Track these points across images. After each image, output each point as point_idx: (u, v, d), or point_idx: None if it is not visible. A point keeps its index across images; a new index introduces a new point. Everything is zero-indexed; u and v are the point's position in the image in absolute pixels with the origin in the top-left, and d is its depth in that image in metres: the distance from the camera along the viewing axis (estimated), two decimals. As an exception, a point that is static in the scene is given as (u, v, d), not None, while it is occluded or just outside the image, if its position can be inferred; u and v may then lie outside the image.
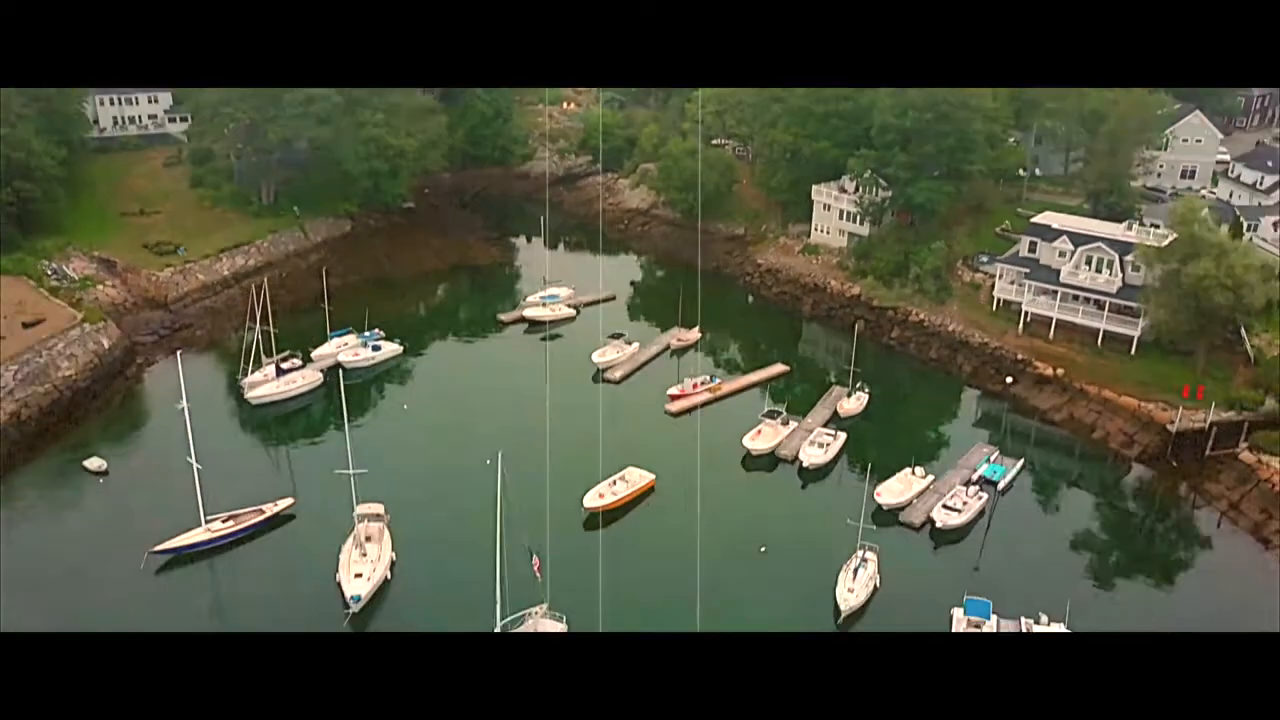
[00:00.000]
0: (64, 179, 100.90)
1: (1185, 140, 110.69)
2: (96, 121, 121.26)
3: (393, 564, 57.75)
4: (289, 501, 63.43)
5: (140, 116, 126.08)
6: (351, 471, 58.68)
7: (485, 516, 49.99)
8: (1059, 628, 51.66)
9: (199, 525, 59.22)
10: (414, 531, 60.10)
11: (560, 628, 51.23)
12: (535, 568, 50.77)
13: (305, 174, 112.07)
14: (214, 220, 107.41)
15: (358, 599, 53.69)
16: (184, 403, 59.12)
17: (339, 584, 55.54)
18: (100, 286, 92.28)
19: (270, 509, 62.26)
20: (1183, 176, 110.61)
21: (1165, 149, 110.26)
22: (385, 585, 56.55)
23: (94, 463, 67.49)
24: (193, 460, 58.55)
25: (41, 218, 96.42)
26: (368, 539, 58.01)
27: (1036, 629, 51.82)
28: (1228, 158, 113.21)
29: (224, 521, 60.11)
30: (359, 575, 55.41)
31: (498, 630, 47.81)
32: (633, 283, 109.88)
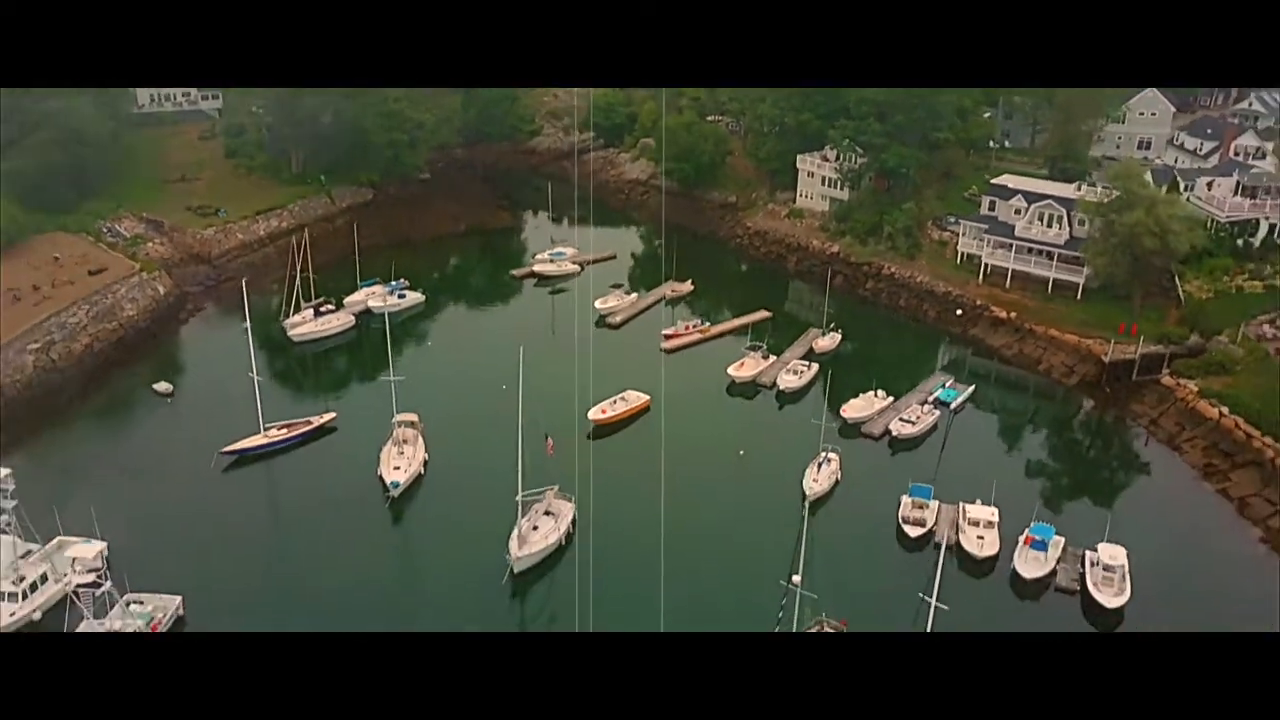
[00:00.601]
0: (113, 149, 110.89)
1: (1142, 114, 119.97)
2: (136, 98, 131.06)
3: (425, 463, 67.60)
4: (332, 415, 73.32)
5: (175, 94, 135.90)
6: (393, 378, 68.70)
7: (504, 427, 59.34)
8: (989, 511, 61.37)
9: (258, 432, 69.12)
10: (443, 438, 69.89)
11: (569, 506, 60.97)
12: (549, 448, 60.61)
13: (331, 145, 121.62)
14: (248, 187, 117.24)
15: (396, 485, 63.60)
16: (247, 323, 68.93)
17: (380, 477, 65.44)
18: (150, 244, 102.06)
19: (317, 420, 72.16)
20: (1139, 148, 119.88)
21: (1123, 122, 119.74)
22: (419, 479, 66.43)
23: (161, 386, 77.51)
24: (254, 374, 68.53)
25: (95, 183, 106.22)
26: (404, 441, 67.86)
27: (968, 508, 61.58)
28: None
29: (279, 429, 69.99)
30: (397, 469, 65.26)
31: (519, 499, 57.50)
32: (632, 253, 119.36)
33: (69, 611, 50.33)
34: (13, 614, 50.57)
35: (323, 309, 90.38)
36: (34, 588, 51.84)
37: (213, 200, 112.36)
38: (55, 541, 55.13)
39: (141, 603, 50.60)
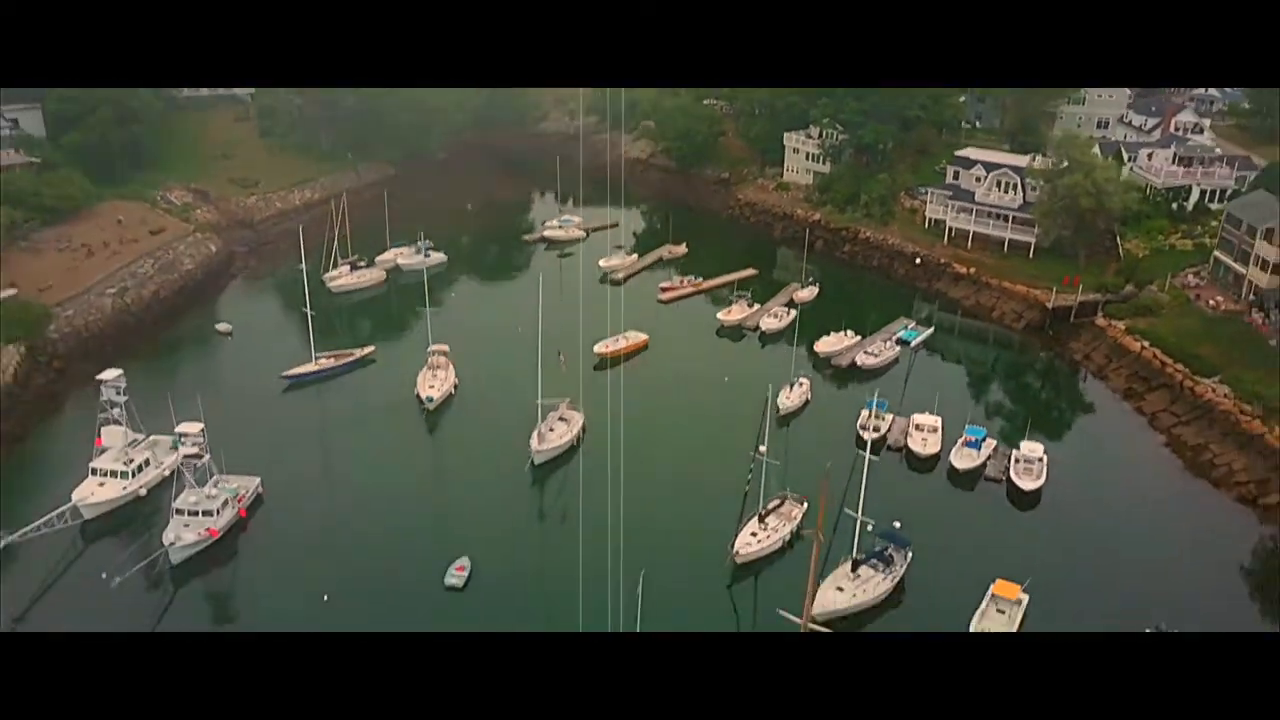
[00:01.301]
0: (162, 127, 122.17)
1: (1100, 95, 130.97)
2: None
3: (456, 385, 78.82)
4: (372, 349, 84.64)
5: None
6: (428, 308, 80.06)
7: (522, 360, 70.42)
8: (933, 419, 72.45)
9: (311, 360, 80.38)
10: (470, 367, 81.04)
11: (579, 416, 72.05)
12: (562, 362, 71.86)
13: (356, 126, 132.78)
14: (282, 163, 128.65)
15: (431, 399, 74.90)
16: (303, 264, 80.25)
17: (418, 395, 76.68)
18: (198, 210, 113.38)
19: (359, 352, 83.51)
20: (1098, 127, 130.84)
21: (1083, 104, 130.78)
22: (450, 398, 77.64)
23: (222, 325, 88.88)
24: (308, 309, 79.84)
25: (148, 157, 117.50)
26: (437, 367, 79.10)
27: (916, 417, 72.74)
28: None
29: (328, 358, 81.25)
30: (432, 387, 76.52)
31: (539, 404, 68.64)
32: (634, 232, 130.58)
33: (166, 489, 61.80)
34: (124, 489, 61.85)
35: (357, 265, 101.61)
36: (140, 469, 63.13)
37: (251, 173, 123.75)
38: (151, 438, 66.30)
39: (228, 481, 61.75)
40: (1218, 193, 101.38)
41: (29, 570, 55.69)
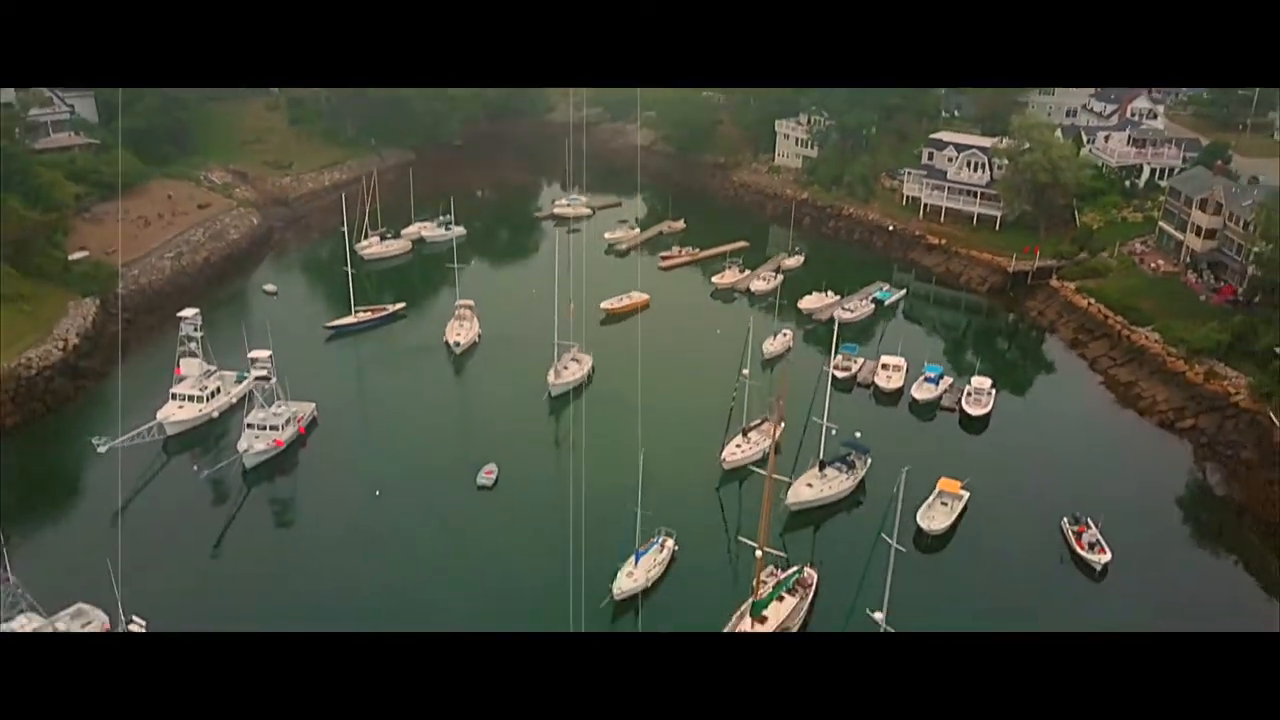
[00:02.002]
0: (201, 114, 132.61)
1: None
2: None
3: (479, 335, 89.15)
4: (403, 305, 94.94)
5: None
6: (456, 266, 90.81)
7: (538, 315, 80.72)
8: (898, 359, 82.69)
9: (350, 314, 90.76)
10: (492, 321, 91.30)
11: (589, 358, 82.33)
12: (571, 310, 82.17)
13: (379, 114, 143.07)
14: (311, 148, 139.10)
15: (458, 344, 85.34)
16: (344, 227, 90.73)
17: (446, 342, 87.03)
18: (238, 189, 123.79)
19: (392, 308, 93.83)
20: (1066, 115, 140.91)
21: (1053, 94, 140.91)
22: (475, 346, 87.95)
23: (269, 286, 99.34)
24: (348, 268, 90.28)
25: (190, 141, 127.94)
26: (463, 318, 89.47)
27: (884, 358, 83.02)
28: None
29: (366, 312, 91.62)
30: (459, 335, 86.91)
31: (555, 344, 78.90)
32: (636, 216, 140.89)
33: (233, 413, 72.27)
34: (200, 410, 72.27)
35: (386, 236, 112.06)
36: (212, 395, 73.62)
37: (283, 156, 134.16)
38: (219, 374, 76.59)
39: (289, 405, 72.08)
40: (1166, 171, 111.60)
41: (127, 471, 66.03)
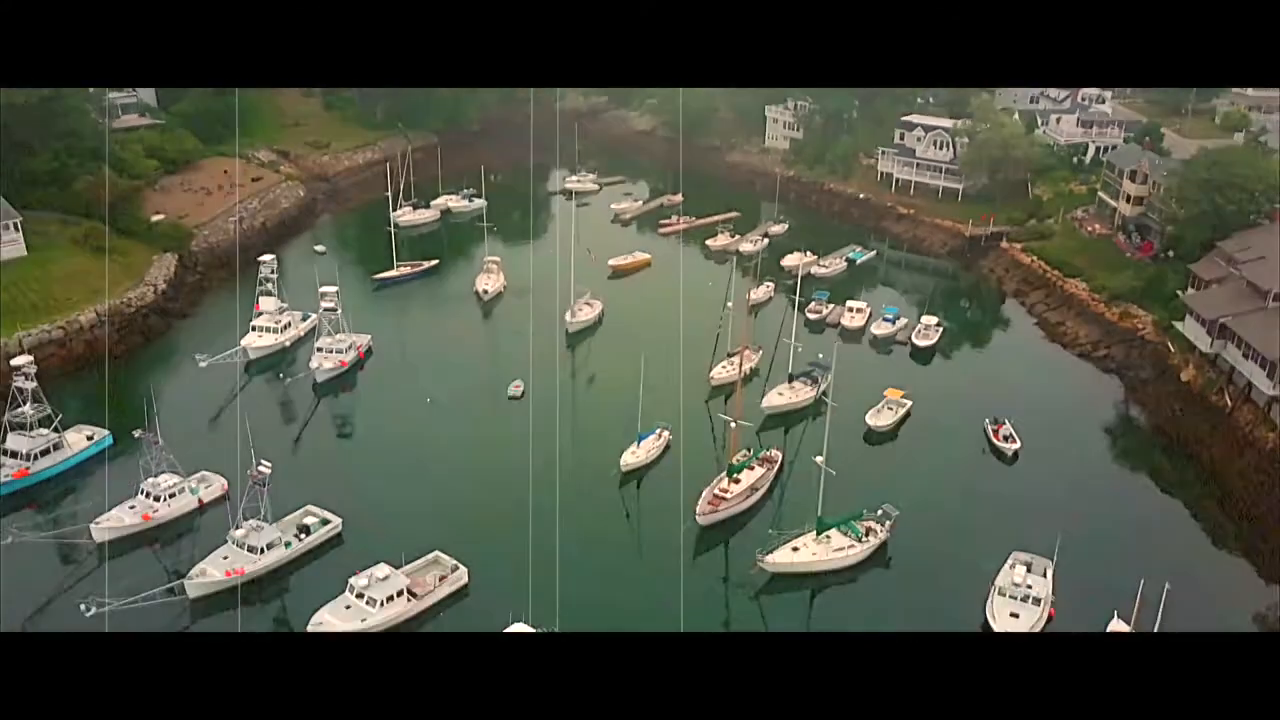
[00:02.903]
0: (245, 98, 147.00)
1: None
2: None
3: (504, 286, 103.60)
4: (436, 261, 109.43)
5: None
6: (486, 225, 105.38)
7: (555, 270, 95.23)
8: (862, 304, 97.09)
9: (393, 268, 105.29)
10: (514, 275, 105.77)
11: (599, 303, 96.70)
12: (592, 257, 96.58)
13: (406, 99, 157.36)
14: (345, 130, 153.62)
15: (486, 292, 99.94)
16: (388, 192, 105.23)
17: (475, 291, 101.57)
18: (283, 166, 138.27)
19: (426, 264, 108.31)
20: (1030, 101, 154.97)
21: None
22: (500, 294, 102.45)
23: (319, 247, 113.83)
24: (390, 227, 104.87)
25: (239, 123, 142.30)
26: (490, 271, 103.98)
27: (850, 303, 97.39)
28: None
29: (406, 267, 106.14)
30: (486, 285, 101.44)
31: (572, 289, 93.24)
32: (642, 194, 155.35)
33: (302, 344, 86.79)
34: (276, 340, 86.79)
35: (418, 206, 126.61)
36: (285, 328, 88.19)
37: (321, 138, 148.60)
38: (290, 311, 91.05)
39: (349, 335, 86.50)
40: (1109, 148, 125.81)
41: (218, 384, 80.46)
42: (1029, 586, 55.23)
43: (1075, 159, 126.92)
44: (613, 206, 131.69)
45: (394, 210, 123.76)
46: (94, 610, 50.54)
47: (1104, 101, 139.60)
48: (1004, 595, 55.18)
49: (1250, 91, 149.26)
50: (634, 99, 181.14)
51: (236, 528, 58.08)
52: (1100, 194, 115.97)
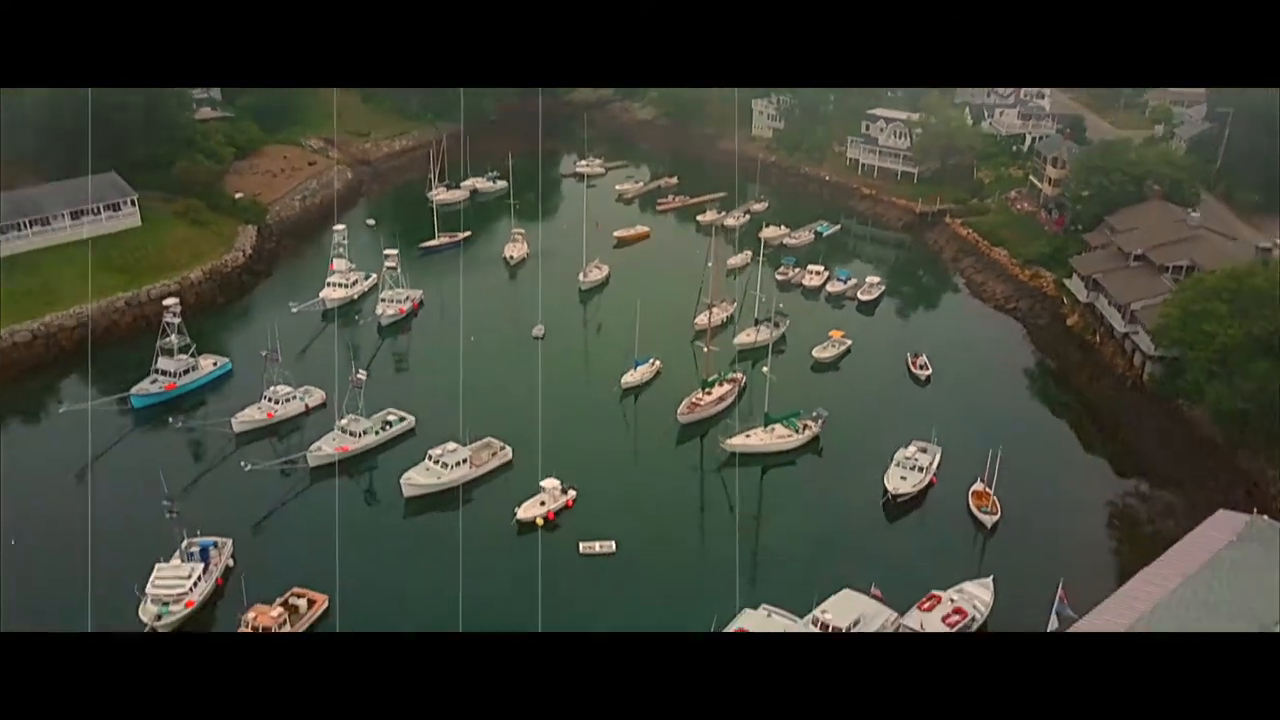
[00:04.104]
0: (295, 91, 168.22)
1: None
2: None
3: (527, 254, 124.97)
4: (469, 233, 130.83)
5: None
6: (512, 202, 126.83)
7: (570, 237, 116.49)
8: (820, 268, 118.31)
9: (434, 238, 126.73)
10: (534, 244, 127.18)
11: (607, 267, 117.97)
12: (598, 227, 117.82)
13: (436, 92, 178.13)
14: (382, 120, 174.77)
15: (512, 259, 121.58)
16: (432, 174, 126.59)
17: (503, 257, 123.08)
18: (331, 152, 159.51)
19: (461, 236, 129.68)
20: (987, 95, 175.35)
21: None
22: (524, 261, 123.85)
23: (370, 220, 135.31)
24: (433, 205, 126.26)
25: (290, 114, 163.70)
26: (515, 241, 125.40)
27: (810, 268, 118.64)
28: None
29: (445, 237, 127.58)
30: (513, 252, 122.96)
31: (583, 258, 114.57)
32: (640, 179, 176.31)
33: (368, 297, 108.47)
34: (346, 293, 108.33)
35: (451, 186, 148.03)
36: (354, 284, 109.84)
37: (362, 127, 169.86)
38: (357, 271, 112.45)
39: (406, 290, 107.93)
40: (1041, 138, 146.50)
41: (303, 327, 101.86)
42: (916, 461, 76.46)
43: (1014, 147, 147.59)
44: (617, 187, 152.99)
45: (430, 190, 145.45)
46: (250, 467, 72.53)
47: (1043, 97, 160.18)
48: (898, 467, 76.43)
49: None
50: (637, 92, 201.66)
51: (341, 419, 79.69)
52: (1030, 178, 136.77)
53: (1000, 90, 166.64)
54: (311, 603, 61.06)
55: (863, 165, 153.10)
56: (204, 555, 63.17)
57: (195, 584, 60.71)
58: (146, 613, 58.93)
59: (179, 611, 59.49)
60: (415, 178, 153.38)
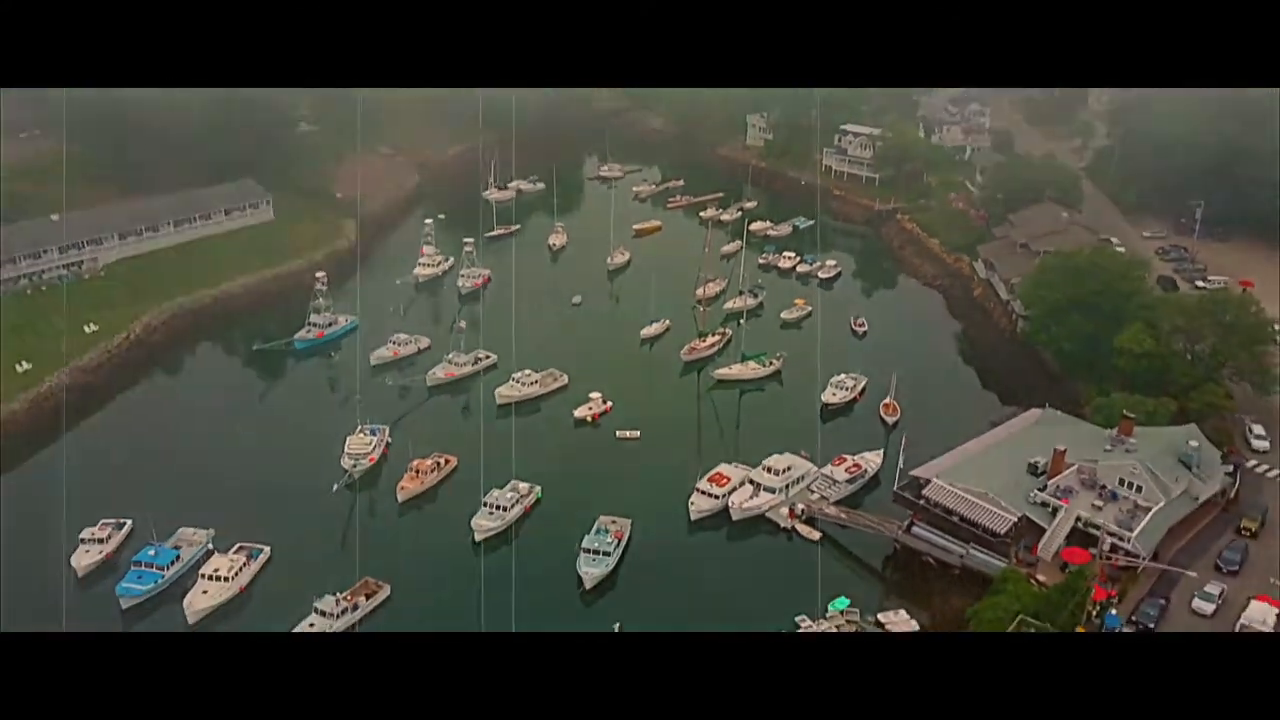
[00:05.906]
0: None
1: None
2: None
3: (566, 241, 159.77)
4: (518, 227, 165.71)
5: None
6: (555, 198, 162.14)
7: (598, 225, 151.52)
8: (791, 254, 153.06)
9: (495, 229, 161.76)
10: (570, 238, 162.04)
11: (627, 253, 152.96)
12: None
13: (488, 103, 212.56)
14: (436, 132, 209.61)
15: (554, 246, 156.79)
16: (491, 176, 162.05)
17: (548, 244, 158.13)
18: (398, 158, 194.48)
19: (514, 228, 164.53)
20: (953, 104, 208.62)
21: (931, 94, 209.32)
22: (564, 247, 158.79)
23: (441, 215, 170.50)
24: (488, 195, 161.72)
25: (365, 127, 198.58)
26: (556, 233, 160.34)
27: (786, 253, 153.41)
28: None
29: (501, 229, 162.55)
30: (555, 242, 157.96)
31: (610, 243, 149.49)
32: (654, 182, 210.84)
33: (451, 274, 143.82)
34: (433, 271, 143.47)
35: (501, 187, 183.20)
36: (439, 264, 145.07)
37: (422, 136, 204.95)
38: (441, 254, 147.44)
39: (482, 269, 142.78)
40: (978, 150, 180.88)
41: (395, 296, 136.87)
42: (844, 384, 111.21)
43: (956, 157, 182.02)
44: (634, 188, 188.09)
45: (484, 190, 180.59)
46: (391, 383, 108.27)
47: (984, 115, 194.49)
48: (832, 387, 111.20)
49: (1106, 98, 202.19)
50: (649, 100, 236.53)
51: (448, 355, 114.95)
52: (966, 182, 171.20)
53: (950, 106, 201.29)
54: (447, 461, 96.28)
55: (835, 171, 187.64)
56: (374, 432, 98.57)
57: (375, 449, 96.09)
58: (346, 461, 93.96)
59: (364, 465, 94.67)
60: (469, 178, 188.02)
